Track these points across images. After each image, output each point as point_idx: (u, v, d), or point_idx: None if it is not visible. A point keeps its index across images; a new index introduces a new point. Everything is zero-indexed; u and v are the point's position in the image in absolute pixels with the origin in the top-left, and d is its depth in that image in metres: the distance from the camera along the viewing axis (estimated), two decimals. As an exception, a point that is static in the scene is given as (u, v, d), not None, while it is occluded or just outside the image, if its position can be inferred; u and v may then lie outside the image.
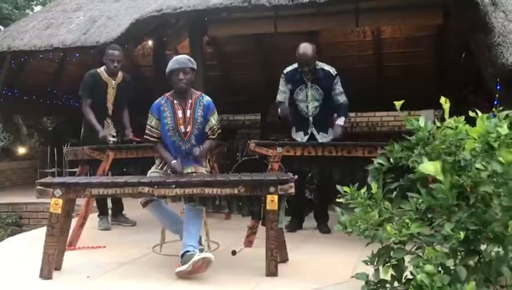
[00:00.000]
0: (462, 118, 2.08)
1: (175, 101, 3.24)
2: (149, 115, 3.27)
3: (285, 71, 4.18)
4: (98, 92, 4.36)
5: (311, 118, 4.14)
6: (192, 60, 3.24)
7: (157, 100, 3.29)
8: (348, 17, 5.34)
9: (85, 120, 4.40)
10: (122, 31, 5.63)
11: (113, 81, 4.42)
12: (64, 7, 7.14)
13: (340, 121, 4.07)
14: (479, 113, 2.00)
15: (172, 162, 3.12)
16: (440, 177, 1.81)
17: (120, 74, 4.47)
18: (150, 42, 7.06)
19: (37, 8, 12.12)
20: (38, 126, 9.26)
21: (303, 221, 4.35)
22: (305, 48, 4.02)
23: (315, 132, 4.15)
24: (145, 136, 3.32)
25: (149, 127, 3.27)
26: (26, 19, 7.50)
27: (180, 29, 6.21)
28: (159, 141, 3.26)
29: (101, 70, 4.42)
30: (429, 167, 1.82)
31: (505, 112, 2.05)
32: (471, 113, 2.06)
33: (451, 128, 2.04)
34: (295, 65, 4.13)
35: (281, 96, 4.17)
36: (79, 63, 8.09)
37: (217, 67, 8.45)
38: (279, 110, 4.10)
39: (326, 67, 4.12)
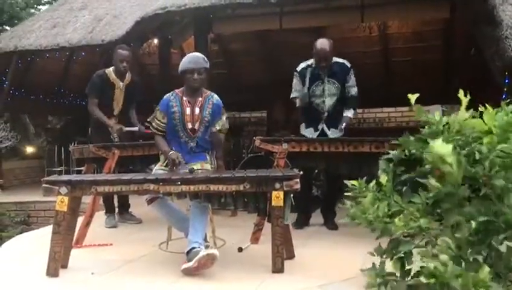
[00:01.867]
0: (471, 111, 2.06)
1: (184, 98, 3.25)
2: (157, 109, 3.29)
3: (298, 69, 4.14)
4: (105, 92, 4.38)
5: (326, 114, 4.11)
6: (206, 59, 3.25)
7: (166, 96, 3.30)
8: (354, 13, 5.32)
9: (92, 119, 4.43)
10: (127, 29, 5.64)
11: (121, 83, 4.42)
12: (70, 6, 7.18)
13: (349, 113, 4.06)
14: (488, 108, 1.97)
15: (170, 153, 3.13)
16: (449, 159, 1.76)
17: (129, 75, 4.47)
18: (155, 41, 7.07)
19: (44, 7, 12.18)
20: (46, 125, 9.32)
21: (310, 217, 4.33)
22: (323, 43, 3.99)
23: (326, 128, 4.13)
24: (151, 127, 3.34)
25: (155, 118, 3.29)
26: (33, 18, 7.55)
27: (185, 27, 6.21)
28: (161, 134, 3.29)
29: (110, 70, 4.43)
30: (441, 147, 1.77)
31: (513, 105, 2.03)
32: (480, 108, 2.03)
33: (461, 122, 2.02)
34: (308, 62, 4.11)
35: (294, 93, 4.15)
36: (85, 62, 8.13)
37: (223, 65, 8.44)
38: (297, 100, 4.07)
39: (340, 60, 4.11)
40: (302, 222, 4.24)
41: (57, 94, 8.52)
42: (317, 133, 4.12)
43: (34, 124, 9.04)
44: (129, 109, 4.55)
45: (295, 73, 4.14)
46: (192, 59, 3.21)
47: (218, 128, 3.27)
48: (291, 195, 2.97)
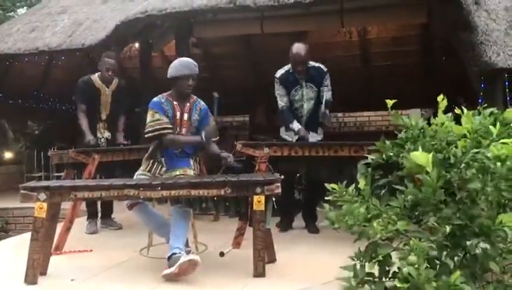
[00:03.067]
0: (449, 115, 2.10)
1: (175, 102, 3.23)
2: (151, 112, 3.15)
3: (277, 75, 4.16)
4: (91, 98, 4.39)
5: (305, 118, 4.15)
6: (196, 64, 3.24)
7: (156, 98, 3.23)
8: (333, 18, 5.37)
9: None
10: (107, 33, 5.59)
11: (107, 89, 4.43)
12: (49, 10, 7.08)
13: (324, 109, 4.07)
14: (465, 111, 2.02)
15: (203, 135, 3.09)
16: (429, 168, 1.81)
17: (115, 81, 4.49)
18: (136, 44, 7.03)
19: (22, 11, 12.00)
20: (24, 130, 9.16)
21: (293, 221, 4.36)
22: (298, 48, 4.04)
23: None
24: (150, 133, 3.14)
25: (153, 122, 3.12)
26: (11, 22, 7.43)
27: (166, 31, 6.19)
28: (171, 131, 3.15)
29: (95, 76, 4.45)
30: (420, 156, 1.81)
31: (489, 110, 2.08)
32: (456, 110, 2.08)
33: (436, 125, 2.06)
34: (286, 67, 4.14)
35: (283, 100, 4.15)
36: (65, 66, 8.02)
37: (205, 69, 8.40)
38: (295, 128, 4.05)
39: (317, 64, 4.16)
40: (285, 226, 4.26)
41: (36, 98, 8.39)
42: (297, 137, 4.15)
43: (13, 129, 8.88)
44: (117, 115, 4.55)
45: (276, 80, 4.17)
46: (187, 65, 3.19)
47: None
48: (273, 199, 2.98)
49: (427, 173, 1.79)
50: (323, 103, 4.09)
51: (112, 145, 4.35)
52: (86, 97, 4.37)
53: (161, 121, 3.13)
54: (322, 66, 4.16)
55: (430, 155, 1.81)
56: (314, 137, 4.13)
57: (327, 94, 4.13)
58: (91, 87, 4.40)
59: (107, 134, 4.47)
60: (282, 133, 4.26)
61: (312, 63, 4.14)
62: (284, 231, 4.17)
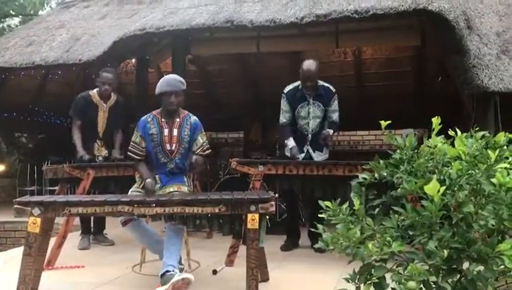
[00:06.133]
0: (440, 138, 2.13)
1: (162, 119, 3.25)
2: (134, 131, 3.27)
3: (285, 90, 4.23)
4: (89, 114, 4.39)
5: (310, 136, 4.19)
6: (183, 80, 3.26)
7: (144, 117, 3.29)
8: (329, 38, 5.45)
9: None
10: (105, 49, 5.62)
11: (105, 105, 4.44)
12: (47, 24, 7.13)
13: (330, 131, 4.13)
14: (458, 132, 2.05)
15: (147, 180, 3.10)
16: (436, 198, 1.82)
17: (113, 97, 4.49)
18: (133, 60, 7.07)
19: (13, 22, 11.97)
20: (18, 143, 9.14)
21: (299, 239, 4.38)
22: (309, 64, 4.12)
23: (311, 151, 4.20)
24: (128, 152, 3.29)
25: (132, 143, 3.25)
26: (8, 36, 7.46)
27: (163, 48, 6.24)
28: (140, 159, 3.25)
29: (94, 92, 4.45)
30: (433, 188, 1.81)
31: (481, 133, 2.12)
32: (450, 132, 2.11)
33: (430, 147, 2.09)
34: (295, 84, 4.22)
35: (285, 116, 4.20)
36: (62, 81, 8.04)
37: (200, 86, 8.48)
38: (289, 146, 4.11)
39: (326, 84, 4.24)
40: (292, 245, 4.28)
41: (31, 112, 8.38)
42: (303, 155, 4.17)
43: (6, 142, 8.85)
44: (113, 131, 4.54)
45: (283, 95, 4.23)
46: (170, 82, 3.22)
47: (196, 150, 3.25)
48: (267, 217, 2.99)
49: (430, 198, 1.79)
50: (329, 123, 4.15)
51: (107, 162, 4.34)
52: (83, 113, 4.37)
53: (137, 146, 3.23)
54: (331, 87, 4.23)
55: (442, 188, 1.81)
56: (319, 156, 4.16)
57: (334, 115, 4.19)
58: (90, 103, 4.40)
59: (104, 152, 4.45)
60: (287, 151, 4.24)
61: (322, 83, 4.22)
62: (288, 250, 4.20)
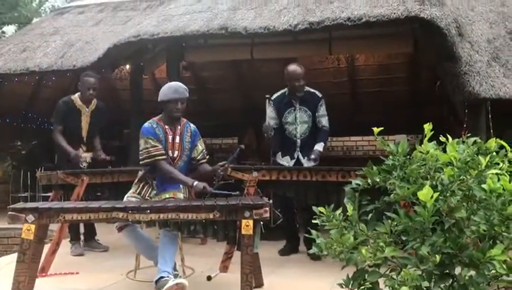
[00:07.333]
0: (432, 143, 2.15)
1: (166, 126, 3.26)
2: (144, 139, 3.17)
3: (272, 97, 4.27)
4: (72, 119, 4.37)
5: (299, 141, 4.23)
6: (186, 88, 3.28)
7: (147, 124, 3.24)
8: (322, 45, 5.48)
9: (57, 146, 4.39)
10: (99, 55, 5.63)
11: (87, 109, 4.43)
12: (41, 31, 7.12)
13: (319, 146, 4.16)
14: (450, 138, 2.08)
15: (195, 183, 3.07)
16: (429, 203, 1.84)
17: (94, 102, 4.49)
18: (127, 66, 7.08)
19: (8, 28, 11.93)
20: (11, 150, 9.08)
21: (298, 245, 4.39)
22: (292, 66, 4.19)
23: (301, 157, 4.22)
24: (148, 159, 3.15)
25: (150, 148, 3.13)
26: (2, 42, 7.45)
27: (158, 55, 6.26)
28: (164, 158, 3.16)
29: (75, 97, 4.44)
30: (426, 194, 1.83)
31: (473, 139, 2.15)
32: (441, 138, 2.13)
33: (422, 153, 2.11)
34: (282, 90, 4.27)
35: (270, 122, 4.22)
36: (55, 87, 8.02)
37: (195, 92, 8.47)
38: (267, 133, 4.16)
39: (312, 90, 4.29)
40: (290, 250, 4.31)
41: (24, 118, 8.35)
42: (294, 161, 4.20)
43: (0, 148, 8.80)
44: (94, 135, 4.53)
45: (269, 101, 4.25)
46: (177, 89, 3.23)
47: (196, 156, 3.30)
48: (261, 223, 3.00)
49: (423, 204, 1.82)
50: (320, 130, 4.18)
51: (94, 166, 4.32)
52: (66, 118, 4.34)
53: (157, 147, 3.16)
54: (317, 92, 4.29)
55: (435, 194, 1.84)
56: (308, 162, 4.18)
57: (323, 120, 4.22)
58: (72, 108, 4.38)
59: (88, 158, 4.43)
60: (278, 158, 4.30)
61: (308, 88, 4.27)
62: (286, 255, 4.24)
